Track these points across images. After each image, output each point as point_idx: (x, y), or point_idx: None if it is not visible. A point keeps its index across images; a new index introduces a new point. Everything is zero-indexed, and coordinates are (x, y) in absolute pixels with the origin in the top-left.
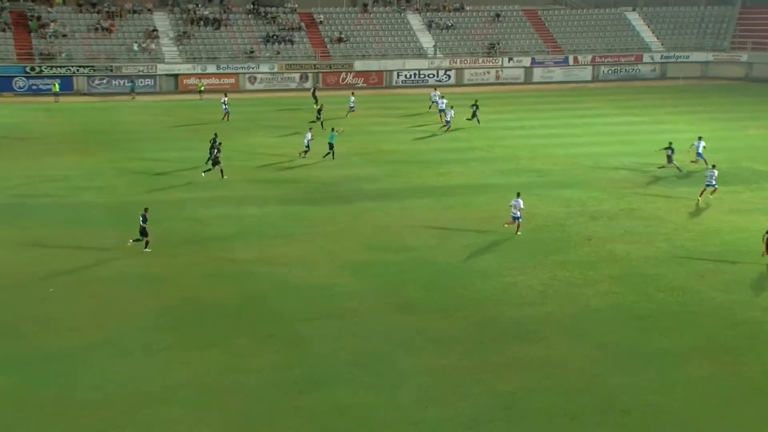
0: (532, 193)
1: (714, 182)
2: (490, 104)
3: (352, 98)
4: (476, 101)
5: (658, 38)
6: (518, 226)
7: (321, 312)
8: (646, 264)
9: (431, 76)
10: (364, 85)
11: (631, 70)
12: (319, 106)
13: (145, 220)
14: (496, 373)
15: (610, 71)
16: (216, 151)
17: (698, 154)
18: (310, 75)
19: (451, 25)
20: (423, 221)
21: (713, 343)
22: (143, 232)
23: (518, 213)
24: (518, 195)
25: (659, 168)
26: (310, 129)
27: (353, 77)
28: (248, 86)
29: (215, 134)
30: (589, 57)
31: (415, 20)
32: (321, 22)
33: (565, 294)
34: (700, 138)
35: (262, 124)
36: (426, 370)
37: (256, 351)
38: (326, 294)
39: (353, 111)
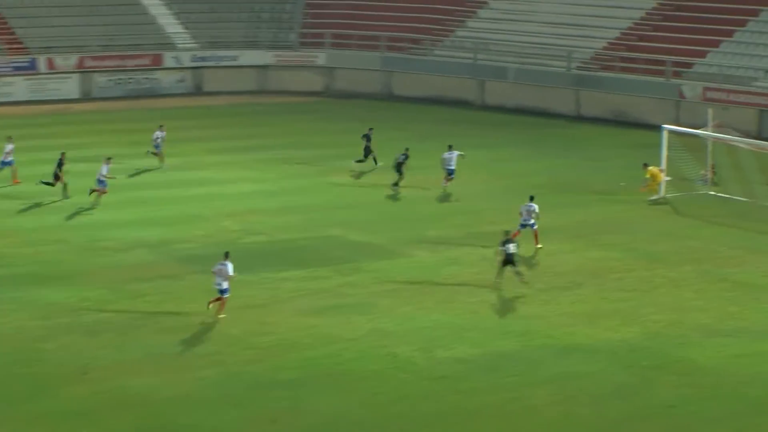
0: None
1: (533, 222)
2: None
3: (160, 134)
4: (370, 129)
5: (187, 28)
6: (222, 302)
7: None
8: (179, 408)
9: None
10: None
11: (145, 82)
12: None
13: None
14: None
15: (111, 83)
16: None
17: (449, 170)
18: None
19: None
20: None
21: None
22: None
23: (225, 285)
24: (226, 255)
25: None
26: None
27: None
28: None
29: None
30: (75, 60)
31: None
32: None
33: None
34: (450, 147)
35: None
36: None
37: None
38: None
39: (157, 155)
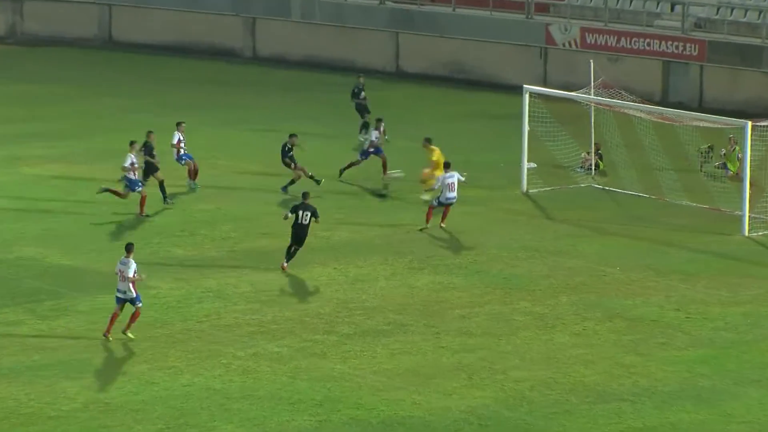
0: None
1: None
2: None
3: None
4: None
5: None
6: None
7: None
8: None
9: None
10: None
11: None
12: None
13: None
14: None
15: None
16: None
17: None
18: None
19: None
20: None
21: None
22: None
23: (134, 292)
24: (128, 249)
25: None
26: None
27: None
28: None
29: None
30: None
31: None
32: None
33: None
34: (379, 121)
35: None
36: None
37: None
38: None
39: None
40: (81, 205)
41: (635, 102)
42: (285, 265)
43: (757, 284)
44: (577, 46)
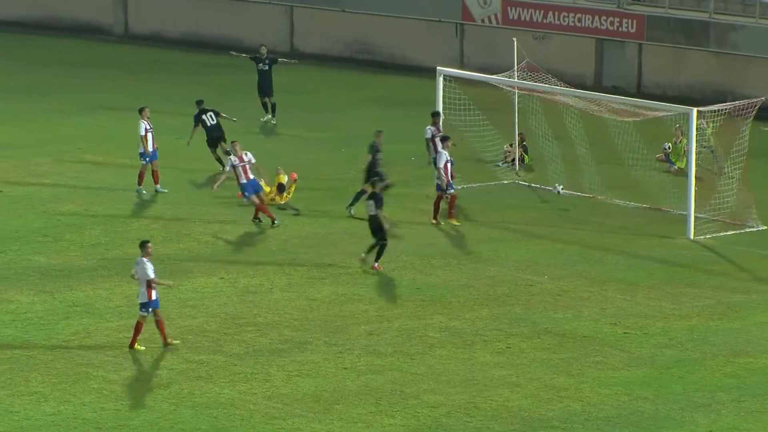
0: None
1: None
2: None
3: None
4: None
5: None
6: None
7: None
8: None
9: None
10: None
11: None
12: None
13: None
14: None
15: None
16: None
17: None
18: None
19: None
20: None
21: None
22: None
23: (154, 294)
24: (143, 246)
25: None
26: None
27: None
28: None
29: None
30: None
31: None
32: None
33: None
34: None
35: None
36: None
37: None
38: None
39: None
40: None
41: (564, 86)
42: (376, 265)
43: (704, 295)
44: (498, 23)
